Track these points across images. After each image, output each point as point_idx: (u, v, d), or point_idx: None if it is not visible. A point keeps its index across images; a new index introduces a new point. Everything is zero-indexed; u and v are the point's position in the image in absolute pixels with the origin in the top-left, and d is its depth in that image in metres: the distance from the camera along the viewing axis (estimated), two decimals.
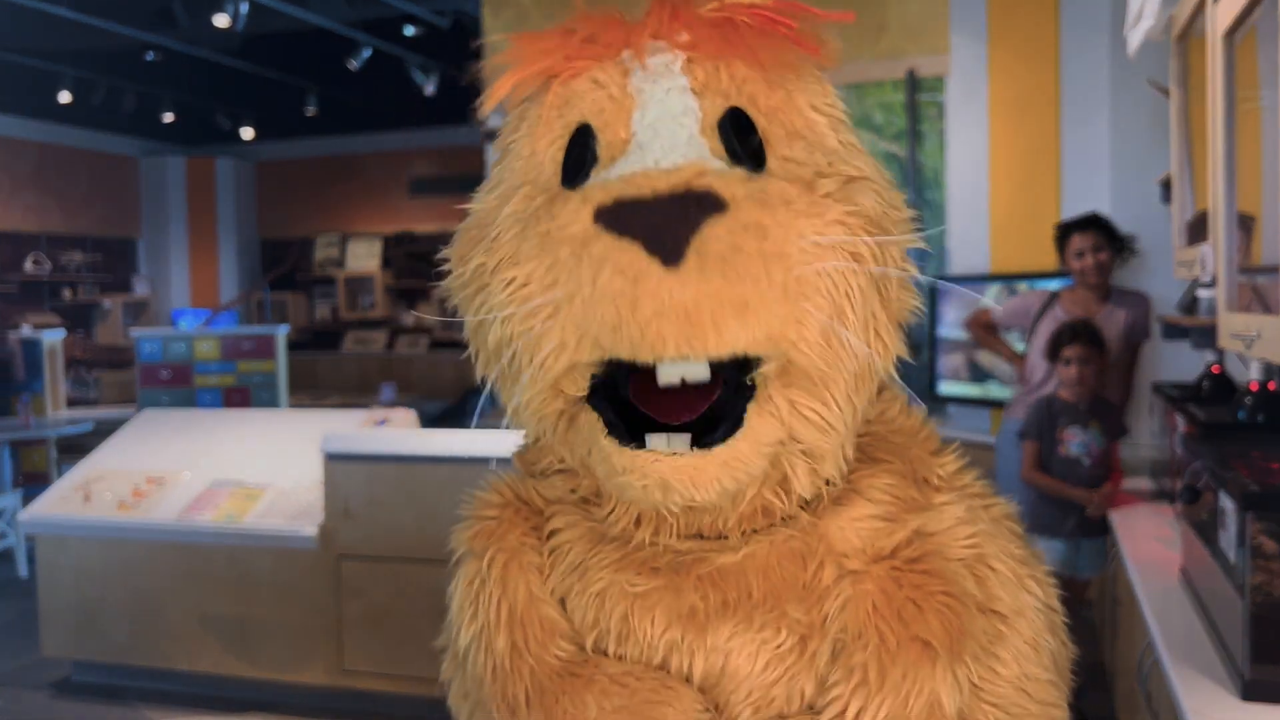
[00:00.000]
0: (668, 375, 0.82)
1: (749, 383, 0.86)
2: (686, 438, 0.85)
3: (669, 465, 0.83)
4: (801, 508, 0.96)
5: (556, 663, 0.95)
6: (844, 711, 0.88)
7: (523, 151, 0.95)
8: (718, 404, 0.86)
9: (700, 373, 0.82)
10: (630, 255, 0.77)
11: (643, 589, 0.94)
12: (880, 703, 0.88)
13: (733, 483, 0.85)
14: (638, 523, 0.96)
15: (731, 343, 0.79)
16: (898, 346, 0.94)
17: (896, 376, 0.97)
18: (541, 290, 0.83)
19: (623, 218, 0.78)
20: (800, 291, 0.81)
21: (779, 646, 0.92)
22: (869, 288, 0.87)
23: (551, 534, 1.01)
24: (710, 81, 0.91)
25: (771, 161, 0.90)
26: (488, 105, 0.96)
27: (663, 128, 0.88)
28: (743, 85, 0.91)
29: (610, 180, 0.83)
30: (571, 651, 0.97)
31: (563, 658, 0.96)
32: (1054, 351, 3.31)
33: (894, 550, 0.94)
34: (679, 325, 0.77)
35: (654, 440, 0.84)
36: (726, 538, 0.95)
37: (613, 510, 0.97)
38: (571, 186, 0.89)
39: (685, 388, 0.83)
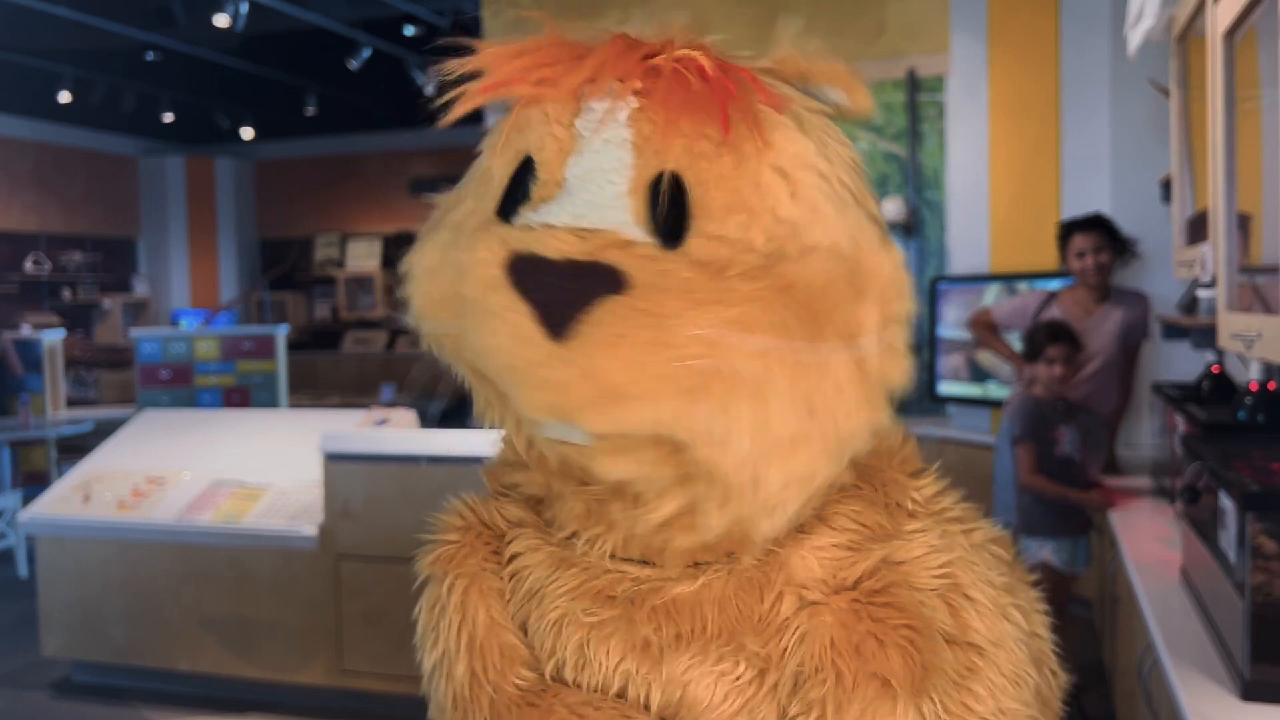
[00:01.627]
0: (550, 434, 0.85)
1: None
2: None
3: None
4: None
5: (515, 691, 0.95)
6: None
7: (483, 164, 0.96)
8: None
9: (580, 438, 0.83)
10: (522, 319, 0.78)
11: (598, 619, 0.93)
12: None
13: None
14: (583, 528, 0.96)
15: (606, 424, 0.79)
16: (870, 411, 0.89)
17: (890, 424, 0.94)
18: (450, 316, 0.86)
19: (526, 276, 0.78)
20: (691, 382, 0.78)
21: (737, 679, 0.90)
22: (806, 366, 0.82)
23: (511, 558, 1.00)
24: (653, 138, 0.85)
25: (694, 238, 0.84)
26: (452, 116, 0.94)
27: (591, 180, 0.86)
28: (692, 145, 0.85)
29: (529, 229, 0.84)
30: (532, 680, 0.96)
31: (522, 686, 0.95)
32: (1035, 352, 3.32)
33: (856, 581, 0.91)
34: (552, 398, 0.79)
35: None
36: (686, 565, 0.93)
37: (562, 512, 0.97)
38: (505, 217, 0.90)
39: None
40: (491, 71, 0.92)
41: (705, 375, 0.78)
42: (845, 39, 4.84)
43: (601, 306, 0.77)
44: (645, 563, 0.94)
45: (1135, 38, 2.86)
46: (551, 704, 0.93)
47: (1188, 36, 2.52)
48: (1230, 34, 1.86)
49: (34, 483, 6.14)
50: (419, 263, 0.92)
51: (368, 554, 3.59)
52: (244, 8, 6.43)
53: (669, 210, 0.84)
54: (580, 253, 0.79)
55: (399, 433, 3.81)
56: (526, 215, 0.87)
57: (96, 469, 4.22)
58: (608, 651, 0.92)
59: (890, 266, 0.91)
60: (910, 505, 0.99)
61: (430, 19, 7.17)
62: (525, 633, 0.98)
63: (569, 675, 0.94)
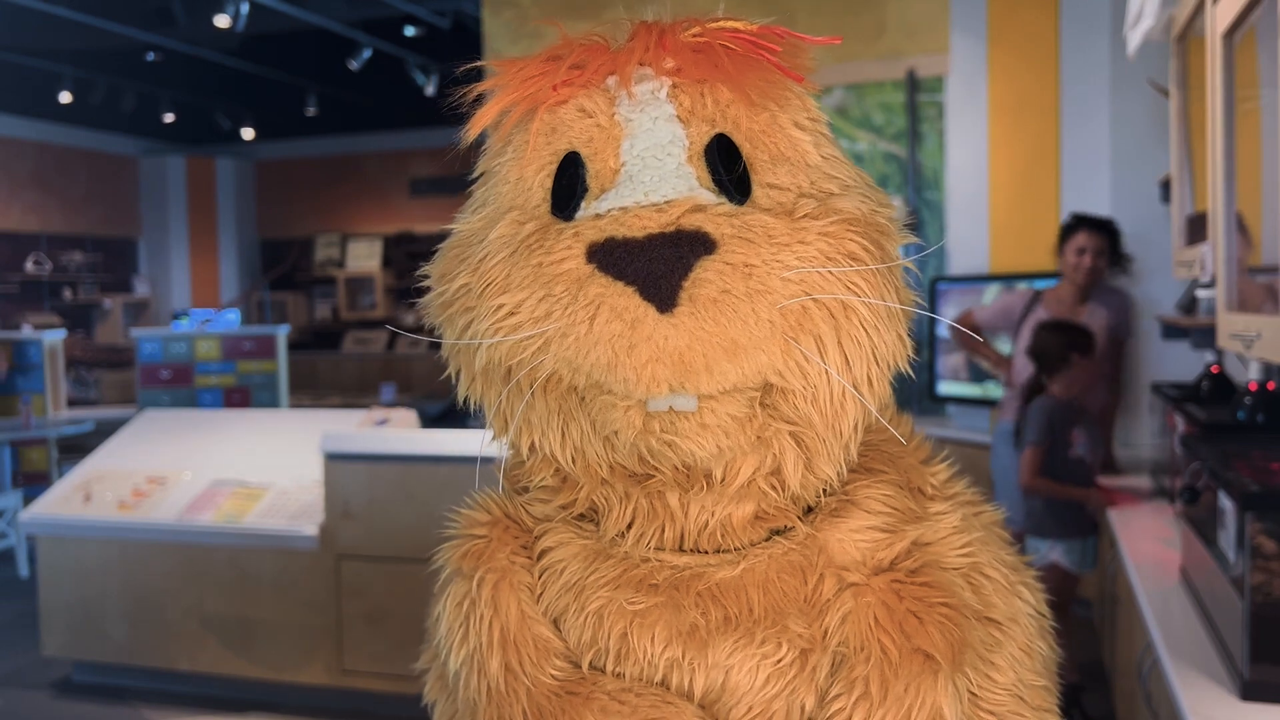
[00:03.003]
0: (657, 407, 0.83)
1: None
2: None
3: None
4: (800, 519, 0.96)
5: (553, 682, 0.95)
6: None
7: (509, 176, 0.95)
8: None
9: (689, 405, 0.83)
10: (626, 300, 0.79)
11: (642, 606, 0.93)
12: (883, 715, 0.88)
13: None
14: (630, 528, 0.96)
15: (721, 380, 0.81)
16: (904, 350, 0.93)
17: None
18: (532, 322, 0.83)
19: (618, 259, 0.80)
20: (787, 323, 0.82)
21: (779, 661, 0.91)
22: (882, 291, 0.88)
23: (542, 553, 1.01)
24: (695, 108, 0.91)
25: (756, 189, 0.90)
26: (472, 132, 0.95)
27: (651, 157, 0.89)
28: (726, 110, 0.92)
29: (603, 216, 0.84)
30: (567, 670, 0.96)
31: (559, 677, 0.95)
32: (1059, 355, 3.30)
33: (893, 561, 0.94)
34: (673, 368, 0.79)
35: None
36: (725, 552, 0.95)
37: (609, 516, 0.97)
38: (562, 215, 0.89)
39: None
40: (517, 81, 0.94)
41: (802, 313, 0.83)
42: (845, 39, 4.84)
43: (697, 269, 0.79)
44: (684, 551, 0.96)
45: (1135, 38, 2.87)
46: (591, 691, 0.93)
47: (1187, 37, 2.53)
48: (1229, 34, 1.86)
49: (35, 483, 6.14)
50: (479, 282, 0.89)
51: (368, 554, 3.60)
52: (244, 8, 6.44)
53: (727, 169, 0.89)
54: (662, 225, 0.81)
55: (399, 433, 3.82)
56: (589, 208, 0.88)
57: (97, 469, 4.22)
58: (652, 639, 0.93)
59: (888, 199, 0.98)
60: (929, 489, 1.03)
61: (430, 19, 7.17)
62: (559, 627, 0.98)
63: (609, 666, 0.95)
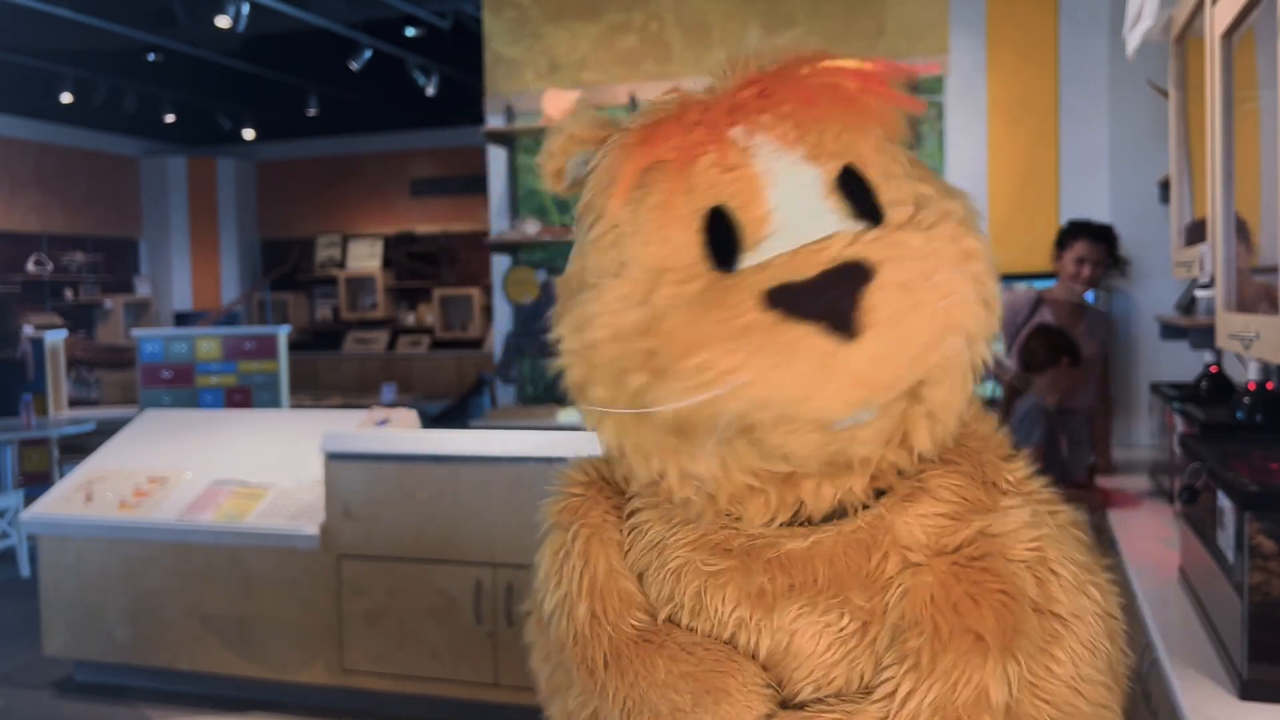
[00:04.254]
0: (842, 425, 0.91)
1: None
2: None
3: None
4: (866, 506, 1.01)
5: (632, 631, 1.04)
6: (894, 692, 0.94)
7: (652, 237, 0.96)
8: None
9: (869, 415, 0.91)
10: (817, 339, 0.85)
11: (716, 568, 1.01)
12: (929, 687, 0.93)
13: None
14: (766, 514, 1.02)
15: (900, 388, 0.90)
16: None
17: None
18: (723, 375, 0.87)
19: (797, 302, 0.86)
20: (941, 324, 0.90)
21: (841, 630, 0.98)
22: (979, 283, 0.95)
23: (632, 513, 1.09)
24: (820, 145, 0.97)
25: (887, 209, 0.96)
26: (618, 198, 0.98)
27: (796, 200, 0.95)
28: (842, 139, 0.98)
29: (768, 264, 0.91)
30: (646, 621, 1.05)
31: (638, 627, 1.04)
32: (1046, 361, 3.33)
33: (957, 547, 0.99)
34: (868, 390, 0.88)
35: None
36: (797, 526, 1.01)
37: (746, 509, 1.02)
38: (723, 268, 0.94)
39: None
40: (649, 142, 0.98)
41: (954, 309, 0.91)
42: (845, 39, 4.85)
43: (867, 297, 0.86)
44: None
45: (1134, 39, 2.87)
46: (664, 641, 1.02)
47: (1186, 37, 2.53)
48: (1228, 35, 1.86)
49: (36, 482, 6.15)
50: (664, 344, 0.90)
51: (369, 553, 3.60)
52: (245, 9, 6.44)
53: (859, 196, 0.97)
54: (827, 262, 0.88)
55: (400, 433, 3.82)
56: (750, 258, 0.93)
57: (98, 469, 4.23)
58: (723, 599, 1.01)
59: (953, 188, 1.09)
60: (1004, 485, 1.07)
61: (431, 20, 7.18)
62: (642, 582, 1.07)
63: (684, 620, 1.04)
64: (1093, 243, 3.68)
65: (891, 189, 0.98)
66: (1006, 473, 1.08)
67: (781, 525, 1.01)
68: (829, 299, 0.86)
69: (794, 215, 0.94)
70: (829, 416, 0.89)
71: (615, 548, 1.08)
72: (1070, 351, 3.33)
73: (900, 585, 0.97)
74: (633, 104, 5.08)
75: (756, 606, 1.00)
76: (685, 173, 0.96)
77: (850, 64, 0.99)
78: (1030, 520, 1.03)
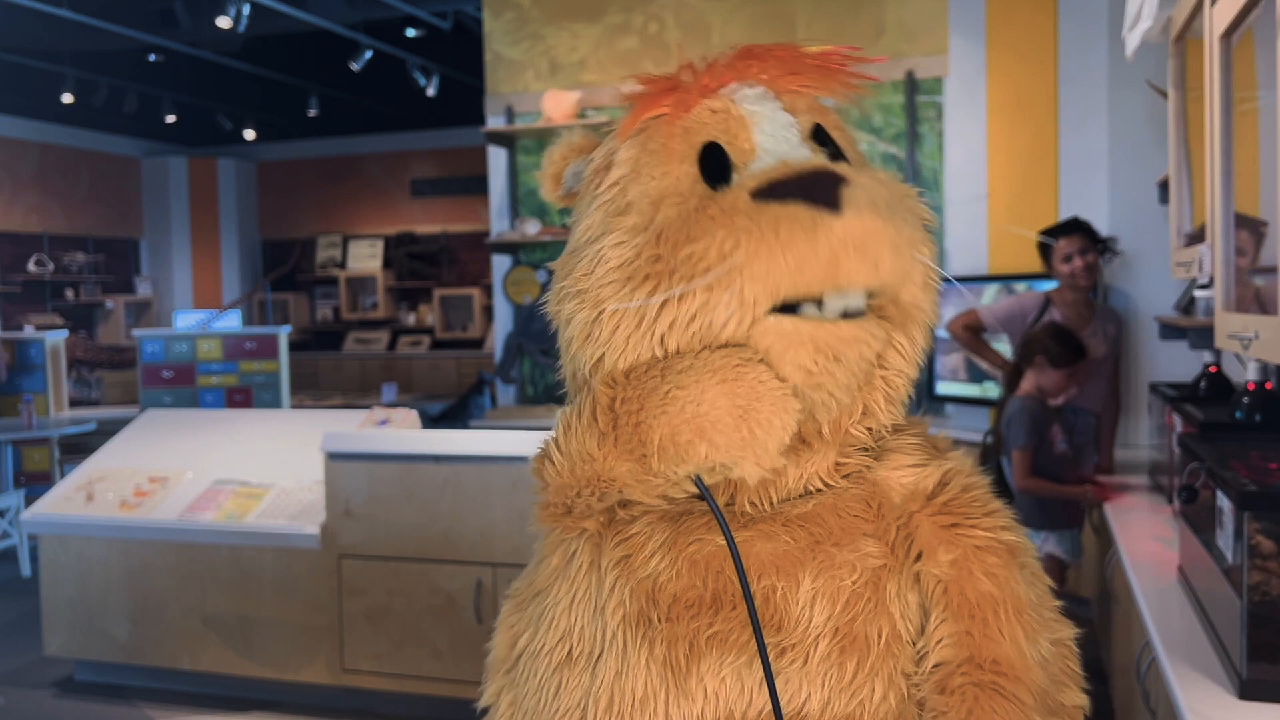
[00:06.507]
0: (834, 308, 0.96)
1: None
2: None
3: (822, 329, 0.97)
4: (845, 476, 1.07)
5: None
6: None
7: (654, 173, 1.07)
8: None
9: (859, 303, 0.98)
10: (800, 211, 0.93)
11: (739, 538, 1.05)
12: (975, 600, 1.02)
13: (869, 348, 0.99)
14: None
15: (885, 274, 0.95)
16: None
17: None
18: (719, 259, 0.95)
19: (782, 189, 0.95)
20: (911, 240, 0.99)
21: (855, 582, 1.02)
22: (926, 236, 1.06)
23: (626, 503, 1.11)
24: (794, 104, 1.10)
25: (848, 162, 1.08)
26: (622, 135, 1.11)
27: (778, 137, 1.07)
28: (814, 107, 1.12)
29: (755, 174, 0.99)
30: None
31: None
32: (1060, 359, 3.35)
33: (936, 486, 1.08)
34: (856, 258, 0.93)
35: (807, 309, 0.98)
36: (790, 501, 1.06)
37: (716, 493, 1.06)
38: (716, 188, 1.03)
39: None
40: (649, 99, 1.11)
41: (917, 230, 1.01)
42: (845, 40, 4.85)
43: (848, 188, 0.94)
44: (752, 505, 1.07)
45: (1133, 39, 2.87)
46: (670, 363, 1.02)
47: (1185, 38, 2.54)
48: (1228, 35, 1.87)
49: (37, 482, 6.15)
50: (666, 248, 0.98)
51: (369, 553, 3.60)
52: (246, 9, 6.45)
53: (829, 147, 1.10)
54: (809, 167, 0.97)
55: (400, 432, 3.82)
56: (738, 177, 1.03)
57: (99, 468, 4.23)
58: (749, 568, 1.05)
59: None
60: (942, 445, 1.17)
61: (431, 20, 7.18)
62: (658, 579, 1.08)
63: (706, 599, 1.05)
64: (1067, 237, 3.70)
65: (851, 151, 1.13)
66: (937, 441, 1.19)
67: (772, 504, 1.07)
68: (813, 183, 0.94)
69: (779, 147, 1.05)
70: (823, 285, 0.94)
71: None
72: (1073, 348, 3.34)
73: (899, 528, 1.04)
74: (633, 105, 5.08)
75: (781, 568, 1.02)
76: (681, 120, 1.08)
77: (813, 48, 1.13)
78: (971, 468, 1.13)
